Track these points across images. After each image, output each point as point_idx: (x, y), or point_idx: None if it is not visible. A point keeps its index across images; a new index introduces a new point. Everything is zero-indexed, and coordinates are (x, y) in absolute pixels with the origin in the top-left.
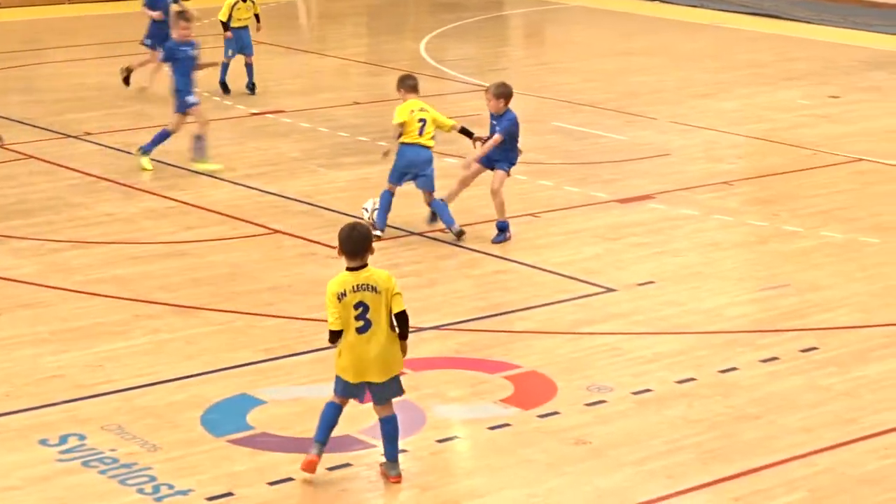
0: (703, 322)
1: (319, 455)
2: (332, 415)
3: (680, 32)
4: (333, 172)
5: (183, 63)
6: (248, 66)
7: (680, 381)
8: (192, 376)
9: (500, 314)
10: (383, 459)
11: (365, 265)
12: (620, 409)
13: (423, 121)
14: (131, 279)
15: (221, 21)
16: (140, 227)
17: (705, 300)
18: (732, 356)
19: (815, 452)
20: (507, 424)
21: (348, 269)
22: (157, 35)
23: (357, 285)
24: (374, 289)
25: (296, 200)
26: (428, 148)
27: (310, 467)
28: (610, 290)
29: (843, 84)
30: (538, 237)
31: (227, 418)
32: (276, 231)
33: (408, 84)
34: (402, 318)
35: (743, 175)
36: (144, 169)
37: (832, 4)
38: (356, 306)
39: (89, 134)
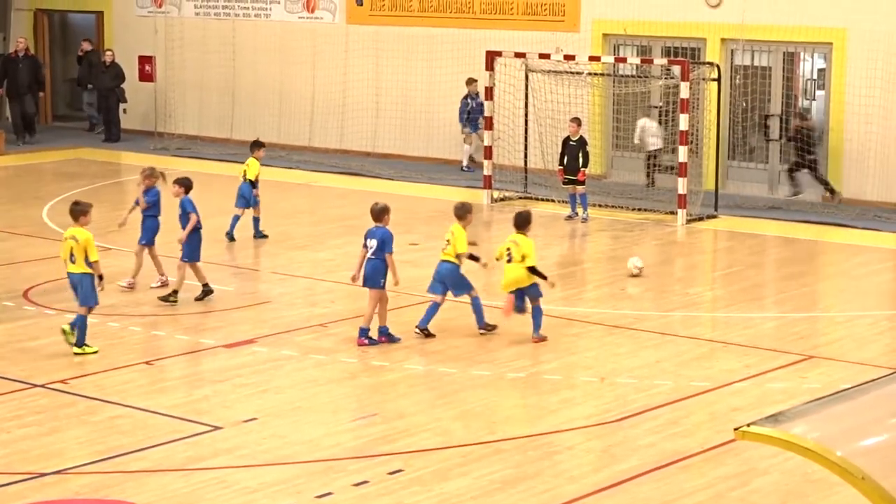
0: (303, 452)
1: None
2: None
3: (277, 191)
4: None
5: None
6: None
7: None
8: None
9: (117, 456)
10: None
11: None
12: None
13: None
14: None
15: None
16: None
17: (305, 432)
18: (329, 482)
19: None
20: None
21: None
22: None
23: (513, 241)
24: (517, 244)
25: None
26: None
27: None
28: (217, 427)
29: (422, 232)
30: (152, 383)
31: None
32: None
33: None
34: (532, 269)
35: (337, 317)
36: None
37: (410, 163)
38: (507, 250)
39: None
